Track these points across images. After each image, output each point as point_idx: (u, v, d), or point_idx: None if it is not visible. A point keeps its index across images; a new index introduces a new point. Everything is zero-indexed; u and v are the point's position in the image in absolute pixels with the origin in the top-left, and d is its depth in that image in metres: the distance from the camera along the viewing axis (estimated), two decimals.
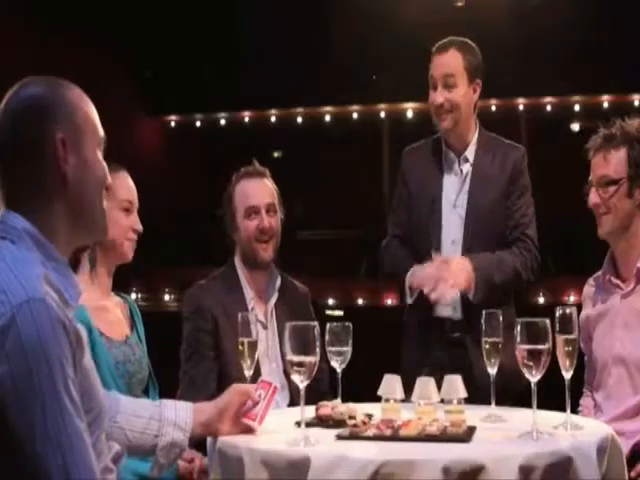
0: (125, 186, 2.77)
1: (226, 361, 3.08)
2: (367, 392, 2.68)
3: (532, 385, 2.22)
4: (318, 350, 2.19)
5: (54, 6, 6.53)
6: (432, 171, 3.32)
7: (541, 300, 7.30)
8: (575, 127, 8.32)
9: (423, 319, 3.25)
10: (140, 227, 2.80)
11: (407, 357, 3.37)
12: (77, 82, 1.79)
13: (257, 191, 3.20)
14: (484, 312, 2.56)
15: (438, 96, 3.21)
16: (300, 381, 2.18)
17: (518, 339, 2.20)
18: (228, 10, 7.60)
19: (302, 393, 2.20)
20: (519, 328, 2.19)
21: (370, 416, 2.46)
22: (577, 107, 8.06)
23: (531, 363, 2.17)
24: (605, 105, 8.00)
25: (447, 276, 2.99)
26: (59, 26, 6.68)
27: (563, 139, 8.19)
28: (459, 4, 7.97)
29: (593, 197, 2.90)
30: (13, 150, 1.68)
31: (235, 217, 3.20)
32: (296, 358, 2.16)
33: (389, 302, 7.72)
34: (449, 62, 3.21)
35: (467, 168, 3.28)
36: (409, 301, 3.19)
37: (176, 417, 2.16)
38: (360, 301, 7.86)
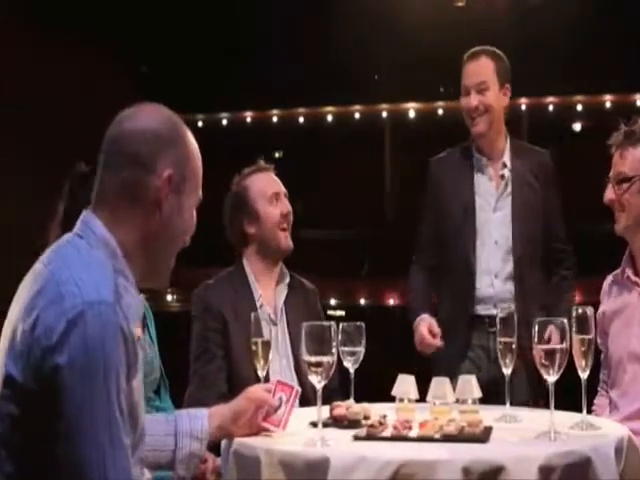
0: None
1: (235, 360, 3.07)
2: (369, 392, 2.68)
3: (549, 385, 2.21)
4: (335, 350, 2.19)
5: (51, 3, 6.52)
6: (464, 178, 3.41)
7: None
8: (577, 127, 8.32)
9: (461, 317, 3.34)
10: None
11: (446, 353, 3.32)
12: (75, 80, 1.78)
13: (273, 180, 3.26)
14: (498, 312, 2.56)
15: (472, 99, 3.31)
16: (317, 381, 2.18)
17: (535, 339, 2.19)
18: (229, 10, 7.59)
19: (319, 394, 2.20)
20: (536, 328, 2.19)
21: (383, 416, 2.46)
22: (579, 107, 8.07)
23: (548, 363, 2.16)
24: (607, 105, 8.00)
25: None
26: (56, 23, 6.66)
27: (565, 139, 8.19)
28: (460, 4, 7.95)
29: (608, 193, 2.90)
30: (123, 158, 1.70)
31: (255, 209, 3.19)
32: (313, 358, 2.15)
33: (391, 302, 7.72)
34: (481, 70, 3.34)
35: (507, 173, 3.38)
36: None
37: (191, 428, 2.14)
38: (362, 301, 7.86)
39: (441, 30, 7.40)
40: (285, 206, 3.22)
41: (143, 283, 1.78)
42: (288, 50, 7.57)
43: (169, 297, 8.38)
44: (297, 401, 2.38)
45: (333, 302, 7.08)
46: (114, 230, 1.67)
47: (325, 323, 2.19)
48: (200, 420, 2.16)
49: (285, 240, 3.20)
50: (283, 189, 3.25)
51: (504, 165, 3.38)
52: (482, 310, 3.31)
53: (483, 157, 3.39)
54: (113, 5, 6.86)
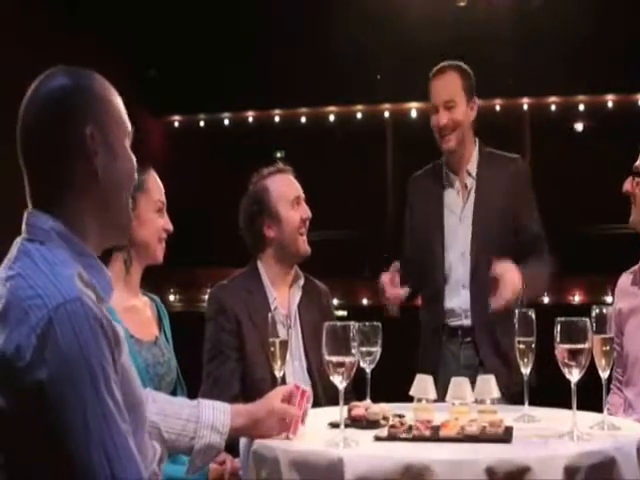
0: (157, 186, 2.75)
1: (249, 361, 3.06)
2: (372, 392, 2.68)
3: (572, 385, 2.20)
4: (356, 350, 2.17)
5: (55, 4, 6.50)
6: (434, 192, 3.47)
7: (545, 300, 7.30)
8: (579, 127, 8.32)
9: (436, 327, 3.41)
10: (171, 227, 2.78)
11: (422, 357, 3.48)
12: None
13: (294, 183, 3.24)
14: (517, 311, 2.55)
15: (441, 117, 3.36)
16: (340, 382, 2.16)
17: (558, 338, 2.18)
18: (231, 11, 7.57)
19: (341, 394, 2.18)
20: (559, 327, 2.18)
21: (401, 417, 2.45)
22: (581, 107, 8.07)
23: (572, 362, 2.15)
24: (610, 105, 8.01)
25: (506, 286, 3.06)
26: (59, 25, 6.64)
27: (567, 139, 8.20)
28: (462, 4, 7.94)
29: (626, 184, 2.93)
30: (40, 147, 1.63)
31: (276, 211, 3.17)
32: (335, 358, 2.14)
33: None
34: (448, 86, 3.38)
35: (470, 182, 3.43)
36: (393, 312, 3.35)
37: (214, 419, 2.12)
38: (364, 301, 7.85)
39: (443, 30, 7.40)
40: (305, 211, 3.22)
41: (111, 241, 1.75)
42: (290, 50, 7.55)
43: (171, 297, 8.36)
44: (309, 404, 2.36)
45: (335, 302, 7.08)
46: (61, 215, 1.62)
47: (346, 323, 2.17)
48: (223, 414, 2.13)
49: (304, 245, 3.21)
50: (302, 193, 3.24)
51: (468, 174, 3.44)
52: (453, 321, 3.38)
53: (450, 172, 3.46)
54: (115, 4, 6.84)
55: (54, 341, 1.44)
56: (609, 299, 7.46)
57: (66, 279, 1.51)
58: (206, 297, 7.78)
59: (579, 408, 2.47)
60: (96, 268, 1.63)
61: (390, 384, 2.75)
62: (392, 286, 3.23)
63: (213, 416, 2.12)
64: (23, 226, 1.63)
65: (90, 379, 1.45)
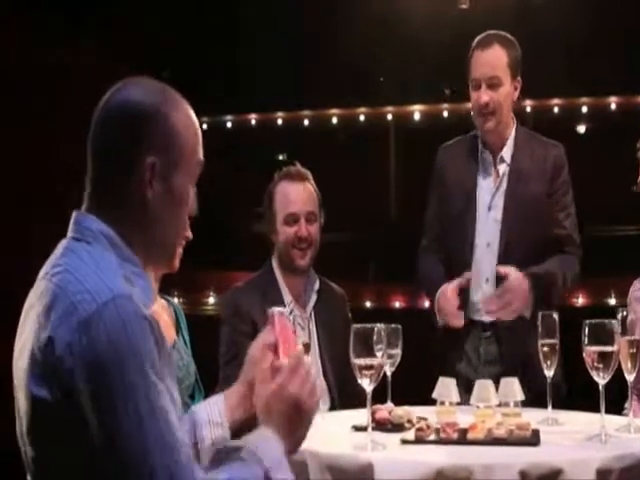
0: None
1: None
2: (375, 392, 2.65)
3: (600, 387, 2.19)
4: (383, 352, 2.16)
5: (69, 4, 6.47)
6: (468, 170, 3.24)
7: None
8: (582, 129, 8.32)
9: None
10: (190, 234, 2.75)
11: (441, 355, 3.29)
12: (88, 84, 1.74)
13: (298, 197, 3.14)
14: (540, 314, 2.53)
15: (483, 95, 3.10)
16: (367, 384, 2.15)
17: (586, 341, 2.17)
18: (231, 11, 7.56)
19: (369, 397, 2.17)
20: (587, 330, 2.17)
21: (424, 419, 2.44)
22: (584, 109, 8.06)
23: (601, 365, 2.14)
24: (612, 107, 8.01)
25: (509, 300, 2.96)
26: (73, 26, 6.61)
27: (570, 140, 8.18)
28: (463, 6, 7.94)
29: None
30: (103, 161, 1.63)
31: (274, 220, 3.16)
32: (363, 361, 2.13)
33: (397, 305, 7.70)
34: (493, 61, 3.12)
35: (503, 169, 3.20)
36: (439, 324, 3.13)
37: (209, 414, 2.02)
38: (368, 304, 7.83)
39: (445, 32, 7.39)
40: (302, 229, 3.11)
41: (154, 269, 1.70)
42: (292, 52, 7.54)
43: (174, 300, 8.33)
44: (289, 321, 2.08)
45: None
46: (109, 223, 1.60)
47: (374, 325, 2.16)
48: (216, 405, 2.05)
49: (300, 260, 3.13)
50: (306, 209, 3.13)
51: (502, 160, 3.20)
52: (475, 315, 3.16)
53: (486, 151, 3.22)
54: (119, 6, 6.83)
55: (104, 337, 1.43)
56: (612, 301, 7.46)
57: (115, 277, 1.51)
58: (209, 300, 7.73)
59: (589, 410, 2.48)
60: (140, 276, 1.61)
61: (405, 386, 2.75)
62: (452, 299, 3.04)
63: (207, 413, 2.02)
64: (70, 225, 1.63)
65: (141, 374, 1.44)
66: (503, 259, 3.10)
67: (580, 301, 7.71)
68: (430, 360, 3.35)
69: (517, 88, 3.18)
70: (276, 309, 1.86)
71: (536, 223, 3.14)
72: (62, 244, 1.61)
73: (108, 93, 1.65)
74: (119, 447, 1.42)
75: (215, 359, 3.15)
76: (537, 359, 2.54)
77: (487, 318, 3.13)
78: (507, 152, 3.20)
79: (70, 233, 1.62)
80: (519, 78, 3.18)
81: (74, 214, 1.64)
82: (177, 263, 2.62)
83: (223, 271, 8.07)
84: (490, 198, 3.19)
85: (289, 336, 1.83)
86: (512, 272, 2.97)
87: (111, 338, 1.43)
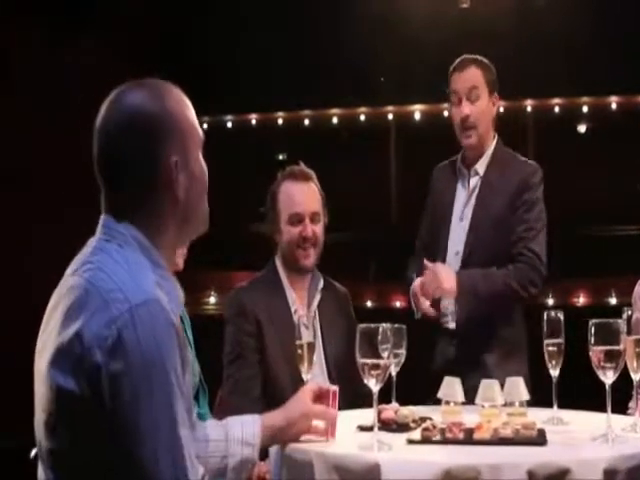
0: None
1: (270, 363, 3.05)
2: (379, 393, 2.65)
3: (607, 387, 2.19)
4: (389, 352, 2.16)
5: (69, 4, 6.47)
6: (449, 186, 3.41)
7: (550, 301, 7.30)
8: (582, 128, 8.31)
9: (431, 329, 3.36)
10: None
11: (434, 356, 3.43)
12: (90, 83, 1.74)
13: (302, 197, 3.15)
14: (545, 313, 2.53)
15: (464, 108, 3.26)
16: (374, 384, 2.14)
17: (592, 340, 2.17)
18: (234, 12, 7.55)
19: (375, 397, 2.17)
20: (593, 329, 2.17)
21: (429, 419, 2.44)
22: (585, 108, 8.05)
23: (608, 365, 2.14)
24: (613, 106, 8.00)
25: (435, 281, 3.11)
26: (73, 26, 6.61)
27: (571, 140, 8.18)
28: (464, 5, 7.94)
29: None
30: (119, 166, 1.64)
31: (278, 220, 3.16)
32: (370, 361, 2.12)
33: (397, 304, 7.69)
34: (471, 77, 3.29)
35: (476, 181, 3.35)
36: (416, 316, 3.25)
37: (243, 433, 2.07)
38: (369, 303, 7.83)
39: (446, 31, 7.38)
40: (307, 229, 3.12)
41: (188, 240, 1.83)
42: (293, 52, 7.54)
43: None
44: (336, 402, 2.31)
45: None
46: (138, 225, 1.64)
47: (380, 325, 2.16)
48: (252, 426, 2.10)
49: (304, 259, 3.14)
50: (311, 209, 3.14)
51: (476, 173, 3.35)
52: (444, 322, 3.31)
53: (463, 166, 3.39)
54: (122, 6, 6.83)
55: (134, 336, 1.46)
56: (613, 301, 7.47)
57: (147, 279, 1.55)
58: (209, 300, 7.72)
59: (593, 410, 2.48)
60: (168, 280, 1.64)
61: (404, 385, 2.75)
62: (418, 292, 3.18)
63: (242, 430, 2.07)
64: (99, 227, 1.65)
65: (165, 381, 1.47)
66: (465, 267, 3.25)
67: (581, 300, 7.73)
68: (430, 360, 3.40)
69: (495, 104, 3.34)
70: (336, 387, 2.25)
71: (498, 235, 3.24)
72: (91, 244, 1.64)
73: (108, 102, 1.67)
74: (133, 447, 1.45)
75: (215, 359, 3.16)
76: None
77: (451, 326, 3.28)
78: (481, 165, 3.35)
79: (98, 235, 1.64)
80: (496, 95, 3.34)
81: (102, 218, 1.67)
82: (181, 260, 2.66)
83: (223, 271, 8.07)
84: (462, 208, 3.35)
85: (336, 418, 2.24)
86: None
87: (140, 341, 1.46)
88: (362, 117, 8.46)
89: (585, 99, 8.15)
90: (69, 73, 6.40)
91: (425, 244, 3.48)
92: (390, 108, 8.39)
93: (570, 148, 8.18)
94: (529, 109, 8.13)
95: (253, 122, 8.56)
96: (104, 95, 1.73)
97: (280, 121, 8.54)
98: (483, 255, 3.23)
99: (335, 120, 8.49)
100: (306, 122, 8.48)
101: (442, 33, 7.41)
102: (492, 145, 3.35)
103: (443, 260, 3.29)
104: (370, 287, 7.93)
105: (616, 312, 2.36)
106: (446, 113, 8.65)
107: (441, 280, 3.10)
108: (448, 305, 3.27)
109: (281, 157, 8.63)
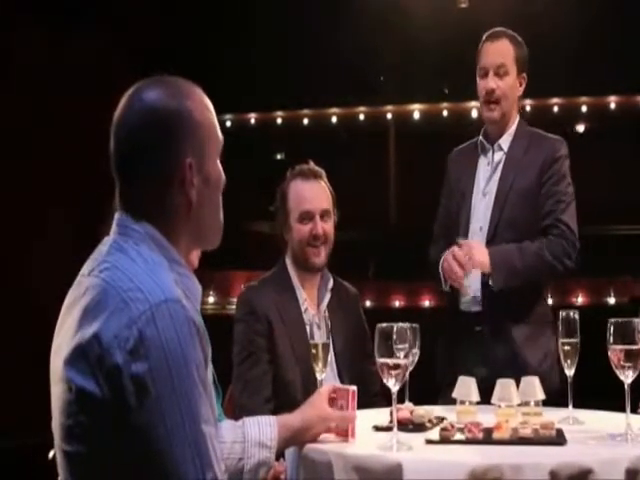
0: None
1: (280, 363, 3.03)
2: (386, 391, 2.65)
3: (625, 386, 2.18)
4: (408, 351, 2.15)
5: (69, 4, 6.45)
6: (469, 163, 3.35)
7: (550, 301, 7.30)
8: (581, 128, 8.34)
9: (452, 316, 3.27)
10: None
11: (441, 357, 3.35)
12: (90, 83, 1.73)
13: (313, 195, 3.14)
14: (560, 313, 2.52)
15: (490, 82, 3.21)
16: (393, 384, 2.13)
17: (611, 340, 2.16)
18: (234, 12, 7.55)
19: (394, 397, 2.16)
20: (612, 329, 2.16)
21: (443, 419, 2.43)
22: (584, 108, 8.07)
23: (628, 364, 2.13)
24: (612, 106, 8.02)
25: (466, 258, 3.01)
26: (73, 26, 6.59)
27: (569, 140, 8.20)
28: (463, 5, 7.94)
29: None
30: (135, 160, 1.62)
31: (288, 218, 3.14)
32: (390, 361, 2.11)
33: (397, 304, 7.70)
34: (501, 51, 3.22)
35: (500, 156, 3.28)
36: (445, 288, 3.15)
37: (260, 435, 2.07)
38: (368, 303, 7.83)
39: (445, 31, 7.39)
40: (316, 226, 3.11)
41: (201, 248, 1.81)
42: (292, 52, 7.54)
43: None
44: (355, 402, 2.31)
45: None
46: (153, 223, 1.62)
47: (401, 324, 2.15)
48: (269, 428, 2.09)
49: (315, 257, 3.13)
50: (321, 207, 3.12)
51: (499, 148, 3.28)
52: (463, 305, 3.20)
53: (485, 141, 3.32)
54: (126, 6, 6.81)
55: (156, 336, 1.44)
56: (611, 300, 7.48)
57: (166, 278, 1.52)
58: (208, 299, 7.72)
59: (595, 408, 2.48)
60: (187, 276, 1.62)
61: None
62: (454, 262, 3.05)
63: (259, 432, 2.07)
64: (114, 227, 1.62)
65: (188, 380, 1.46)
66: (491, 243, 3.16)
67: (580, 300, 7.74)
68: (433, 360, 3.38)
69: (522, 84, 3.27)
70: (355, 388, 2.24)
71: (524, 210, 3.18)
72: (106, 243, 1.61)
73: (128, 97, 1.65)
74: (157, 446, 1.44)
75: (215, 359, 3.13)
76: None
77: (474, 309, 3.17)
78: (505, 141, 3.29)
79: (114, 234, 1.62)
80: (524, 75, 3.28)
81: (117, 216, 1.65)
82: (196, 260, 2.65)
83: (223, 270, 8.06)
84: (485, 184, 3.29)
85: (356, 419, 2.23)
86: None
87: (162, 340, 1.44)
88: (361, 117, 8.48)
89: (584, 99, 8.18)
90: (69, 73, 6.39)
91: (444, 225, 3.39)
92: (389, 108, 8.42)
93: (569, 148, 8.16)
94: (528, 108, 8.15)
95: (252, 121, 8.57)
96: (104, 95, 1.72)
97: (279, 121, 8.55)
98: (509, 230, 3.16)
99: (334, 120, 8.50)
100: (305, 122, 8.50)
101: (441, 33, 7.42)
102: (516, 122, 3.30)
103: (465, 236, 3.20)
104: (369, 286, 7.93)
105: (616, 312, 2.36)
106: (445, 113, 8.69)
107: (474, 253, 3.03)
108: (469, 290, 3.12)
109: (279, 156, 8.64)
